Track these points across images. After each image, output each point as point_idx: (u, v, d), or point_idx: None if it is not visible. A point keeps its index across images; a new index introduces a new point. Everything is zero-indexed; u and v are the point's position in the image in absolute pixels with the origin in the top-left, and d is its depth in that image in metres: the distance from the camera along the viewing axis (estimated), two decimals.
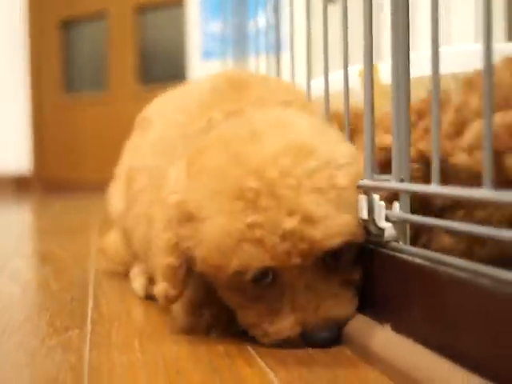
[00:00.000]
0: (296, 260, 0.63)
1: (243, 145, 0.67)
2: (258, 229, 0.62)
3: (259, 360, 0.64)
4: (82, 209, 2.69)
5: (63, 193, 3.69)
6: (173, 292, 0.71)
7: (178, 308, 0.77)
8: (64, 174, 4.13)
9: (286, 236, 0.62)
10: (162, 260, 0.70)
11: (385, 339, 0.62)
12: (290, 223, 0.62)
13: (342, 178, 0.65)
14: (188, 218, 0.67)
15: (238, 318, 0.71)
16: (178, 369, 0.63)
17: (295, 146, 0.66)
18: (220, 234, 0.64)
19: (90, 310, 0.87)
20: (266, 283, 0.67)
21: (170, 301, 0.72)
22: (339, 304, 0.67)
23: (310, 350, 0.66)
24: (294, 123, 0.71)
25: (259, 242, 0.62)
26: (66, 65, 4.23)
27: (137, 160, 0.94)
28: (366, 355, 0.64)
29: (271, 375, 0.60)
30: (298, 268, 0.65)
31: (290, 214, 0.62)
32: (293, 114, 0.75)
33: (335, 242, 0.64)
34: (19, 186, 4.06)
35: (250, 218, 0.62)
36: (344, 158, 0.67)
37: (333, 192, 0.64)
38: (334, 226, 0.63)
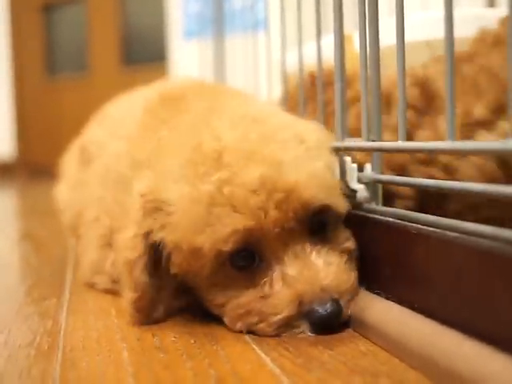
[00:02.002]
0: (274, 213, 0.58)
1: (201, 124, 0.66)
2: (225, 186, 0.58)
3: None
4: None
5: (47, 177, 3.67)
6: (132, 295, 0.64)
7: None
8: (48, 157, 4.10)
9: (256, 187, 0.58)
10: (121, 258, 0.66)
11: (358, 298, 0.63)
12: (258, 171, 0.58)
13: (309, 135, 0.64)
14: (157, 205, 0.62)
15: (226, 319, 0.63)
16: (153, 331, 0.64)
17: (254, 115, 0.66)
18: (188, 204, 0.59)
19: (68, 281, 0.87)
20: (250, 263, 0.61)
21: (138, 309, 0.65)
22: (335, 273, 0.60)
23: None
24: (257, 112, 0.70)
25: (230, 201, 0.57)
26: (48, 48, 4.19)
27: (84, 195, 0.88)
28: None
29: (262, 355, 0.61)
30: (283, 234, 0.59)
31: (257, 162, 0.59)
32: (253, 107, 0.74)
33: (311, 190, 0.59)
34: (3, 170, 4.03)
35: (215, 177, 0.59)
36: (310, 130, 0.67)
37: (301, 145, 0.62)
38: (305, 171, 0.59)
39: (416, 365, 0.50)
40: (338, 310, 0.59)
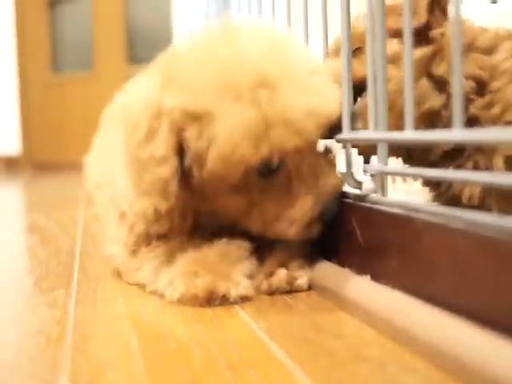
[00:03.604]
0: (316, 135, 0.67)
1: (230, 50, 0.67)
2: (287, 111, 0.63)
3: (240, 311, 0.66)
4: (69, 186, 2.69)
5: (52, 172, 3.69)
6: (164, 205, 0.68)
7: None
8: (52, 153, 4.11)
9: (310, 114, 0.65)
10: (150, 173, 0.67)
11: (363, 287, 0.64)
12: (315, 101, 0.65)
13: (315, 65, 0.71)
14: (195, 117, 0.64)
15: (251, 225, 0.71)
16: (161, 320, 0.64)
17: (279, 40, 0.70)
18: (248, 124, 0.63)
19: (76, 272, 0.88)
20: (273, 174, 0.68)
21: (161, 216, 0.69)
22: (334, 178, 0.70)
23: (289, 300, 0.68)
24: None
25: (288, 123, 0.64)
26: (53, 45, 4.20)
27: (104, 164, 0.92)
28: (344, 304, 0.65)
29: (252, 324, 0.61)
30: (307, 146, 0.67)
31: (312, 94, 0.66)
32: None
33: (335, 113, 0.68)
34: (8, 166, 4.05)
35: (279, 103, 0.63)
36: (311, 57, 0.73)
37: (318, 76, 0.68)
38: (329, 97, 0.68)
39: (422, 352, 0.51)
40: (336, 208, 0.70)
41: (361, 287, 0.64)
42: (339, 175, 0.71)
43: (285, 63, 0.66)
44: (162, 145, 0.65)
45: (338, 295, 0.67)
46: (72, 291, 0.77)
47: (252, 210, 0.69)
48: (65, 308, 0.69)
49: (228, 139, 0.63)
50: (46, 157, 4.13)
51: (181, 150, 0.67)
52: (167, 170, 0.66)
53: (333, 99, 0.68)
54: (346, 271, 0.69)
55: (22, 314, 0.69)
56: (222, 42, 0.68)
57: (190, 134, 0.65)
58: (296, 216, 0.68)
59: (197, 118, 0.64)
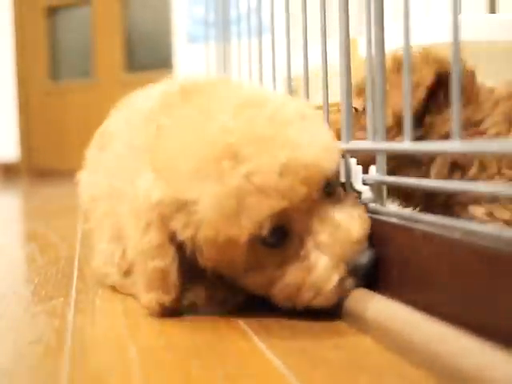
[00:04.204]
0: (302, 190, 0.60)
1: (203, 119, 0.66)
2: (254, 176, 0.59)
3: (241, 323, 0.66)
4: (68, 193, 2.69)
5: (51, 179, 3.69)
6: (167, 297, 0.66)
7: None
8: (51, 160, 4.12)
9: (283, 170, 0.59)
10: (147, 265, 0.66)
11: (361, 297, 0.63)
12: (280, 155, 0.60)
13: (304, 109, 0.67)
14: (178, 207, 0.63)
15: (276, 300, 0.66)
16: (161, 329, 0.64)
17: (253, 97, 0.67)
18: (219, 201, 0.60)
19: (74, 281, 0.88)
20: (282, 239, 0.63)
21: (167, 309, 0.67)
22: (360, 224, 0.64)
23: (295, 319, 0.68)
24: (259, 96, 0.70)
25: (261, 188, 0.59)
26: (53, 52, 4.21)
27: (98, 182, 0.89)
28: (343, 313, 0.64)
29: (252, 336, 0.61)
30: (308, 206, 0.62)
31: (276, 147, 0.60)
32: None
33: (328, 161, 0.63)
34: (7, 173, 4.05)
35: (243, 170, 0.59)
36: (300, 103, 0.70)
37: (304, 121, 0.64)
38: (319, 144, 0.63)
39: (421, 363, 0.51)
40: (374, 256, 0.63)
41: (359, 297, 0.64)
42: (364, 211, 0.65)
43: (261, 114, 0.63)
44: (155, 236, 0.65)
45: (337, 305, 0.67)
46: (71, 300, 0.77)
47: (273, 284, 0.64)
48: (64, 317, 0.69)
49: (209, 224, 0.61)
50: (45, 164, 4.13)
51: (174, 238, 0.65)
52: (163, 260, 0.65)
53: (317, 145, 0.63)
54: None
55: (20, 322, 0.69)
56: (197, 111, 0.68)
57: (177, 224, 0.64)
58: (319, 283, 0.62)
59: (180, 207, 0.63)
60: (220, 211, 0.60)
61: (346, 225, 0.62)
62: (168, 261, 0.65)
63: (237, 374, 0.51)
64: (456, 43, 0.50)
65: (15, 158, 4.17)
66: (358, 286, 0.63)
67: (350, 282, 0.62)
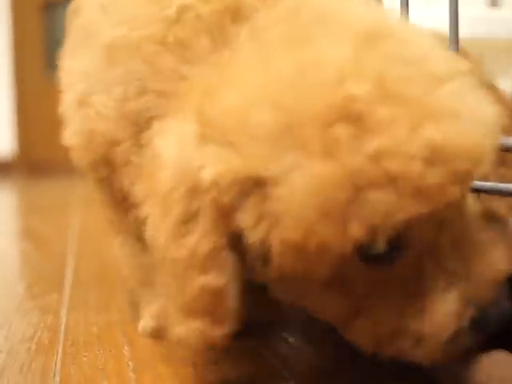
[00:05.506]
0: (455, 190, 0.38)
1: (300, 47, 0.41)
2: (386, 159, 0.37)
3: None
4: (64, 188, 2.68)
5: (47, 173, 3.67)
6: (219, 329, 0.43)
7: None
8: (48, 154, 4.10)
9: (434, 156, 0.37)
10: (189, 281, 0.43)
11: None
12: (437, 132, 0.37)
13: (462, 63, 0.42)
14: (248, 189, 0.40)
15: (358, 340, 0.44)
16: None
17: (386, 25, 0.43)
18: (321, 187, 0.37)
19: (68, 277, 0.87)
20: (390, 254, 0.41)
21: (213, 343, 0.44)
22: (505, 253, 0.43)
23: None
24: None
25: (394, 179, 0.37)
26: (49, 45, 4.20)
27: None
28: None
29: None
30: (445, 211, 0.39)
31: (425, 118, 0.37)
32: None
33: (492, 151, 0.40)
34: (3, 167, 4.03)
35: (370, 145, 0.37)
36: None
37: (465, 83, 0.41)
38: (485, 124, 0.40)
39: None
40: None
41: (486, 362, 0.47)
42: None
43: (388, 72, 0.39)
44: (207, 237, 0.42)
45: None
46: (64, 296, 0.76)
47: (356, 315, 0.43)
48: (56, 314, 0.68)
49: (295, 220, 0.39)
50: (42, 158, 4.12)
51: (236, 240, 0.42)
52: (219, 276, 0.42)
53: (482, 121, 0.40)
54: None
55: (13, 319, 0.68)
56: (291, 31, 0.43)
57: (244, 217, 0.41)
58: (428, 329, 0.41)
59: (251, 189, 0.40)
60: (318, 203, 0.37)
61: (491, 254, 0.42)
62: (226, 277, 0.43)
63: (229, 372, 0.50)
64: (455, 39, 0.49)
65: (11, 152, 4.15)
66: (477, 345, 0.42)
67: (471, 338, 0.42)
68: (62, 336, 0.61)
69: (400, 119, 0.37)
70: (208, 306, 0.43)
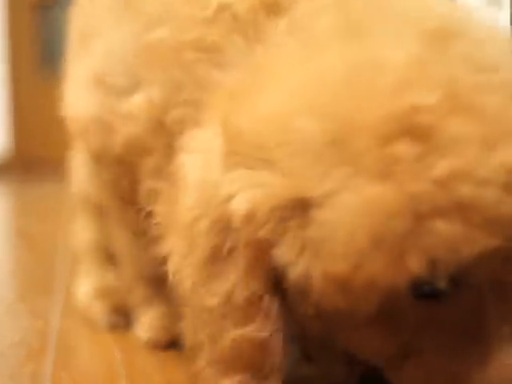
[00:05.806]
0: None
1: (356, 46, 0.36)
2: (456, 183, 0.32)
3: None
4: (59, 190, 2.67)
5: (43, 174, 3.66)
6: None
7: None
8: (45, 152, 4.09)
9: (510, 181, 0.32)
10: (224, 333, 0.38)
11: None
12: (508, 152, 0.32)
13: None
14: (286, 217, 0.35)
15: (395, 379, 0.39)
16: None
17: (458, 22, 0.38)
18: (375, 213, 0.32)
19: (60, 281, 0.86)
20: (443, 297, 0.36)
21: None
22: None
23: None
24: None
25: (466, 207, 0.32)
26: (44, 42, 4.19)
27: None
28: None
29: None
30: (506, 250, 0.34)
31: (504, 137, 0.33)
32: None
33: None
34: None
35: (439, 167, 0.32)
36: None
37: None
38: None
39: None
40: None
41: None
42: None
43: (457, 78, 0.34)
44: (241, 284, 0.37)
45: None
46: (56, 300, 0.75)
47: (403, 357, 0.38)
48: (47, 318, 0.67)
49: (342, 247, 0.33)
50: (39, 156, 4.11)
51: (276, 280, 0.37)
52: (262, 327, 0.37)
53: None
54: None
55: (3, 323, 0.67)
56: (338, 34, 0.37)
57: (283, 250, 0.35)
58: (493, 379, 0.36)
59: (291, 215, 0.35)
60: (371, 230, 0.32)
61: None
62: (270, 326, 0.37)
63: None
64: None
65: (6, 151, 4.14)
66: None
67: None
68: (53, 341, 0.60)
69: (473, 137, 0.32)
70: (249, 360, 0.38)
